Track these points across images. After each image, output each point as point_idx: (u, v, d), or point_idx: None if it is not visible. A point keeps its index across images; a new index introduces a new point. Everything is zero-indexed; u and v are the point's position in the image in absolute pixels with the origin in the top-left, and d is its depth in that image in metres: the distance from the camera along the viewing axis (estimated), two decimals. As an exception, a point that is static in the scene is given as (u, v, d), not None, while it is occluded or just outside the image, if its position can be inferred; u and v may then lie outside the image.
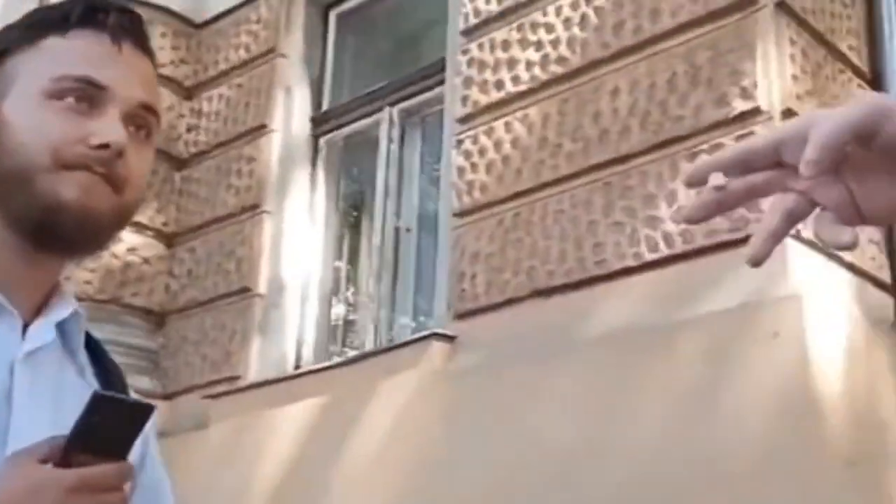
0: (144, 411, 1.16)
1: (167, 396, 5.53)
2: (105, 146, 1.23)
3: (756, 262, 0.87)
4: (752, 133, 3.74)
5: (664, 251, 3.91)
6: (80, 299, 4.90)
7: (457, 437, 4.14)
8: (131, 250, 5.66)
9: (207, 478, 4.93)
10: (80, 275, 5.43)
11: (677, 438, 3.55)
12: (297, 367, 5.28)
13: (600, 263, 4.06)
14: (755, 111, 3.81)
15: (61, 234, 1.24)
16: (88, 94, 1.25)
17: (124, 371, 5.52)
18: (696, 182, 0.89)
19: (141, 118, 1.29)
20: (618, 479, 3.60)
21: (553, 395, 3.94)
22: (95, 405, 1.12)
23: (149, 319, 5.69)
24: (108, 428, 1.13)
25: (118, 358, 5.39)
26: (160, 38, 5.95)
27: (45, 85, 1.25)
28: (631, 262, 3.98)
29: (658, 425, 3.62)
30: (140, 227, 5.66)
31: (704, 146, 3.87)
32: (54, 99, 1.25)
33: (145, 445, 1.34)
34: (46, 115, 1.24)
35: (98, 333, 5.22)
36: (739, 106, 3.83)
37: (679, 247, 3.87)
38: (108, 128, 1.24)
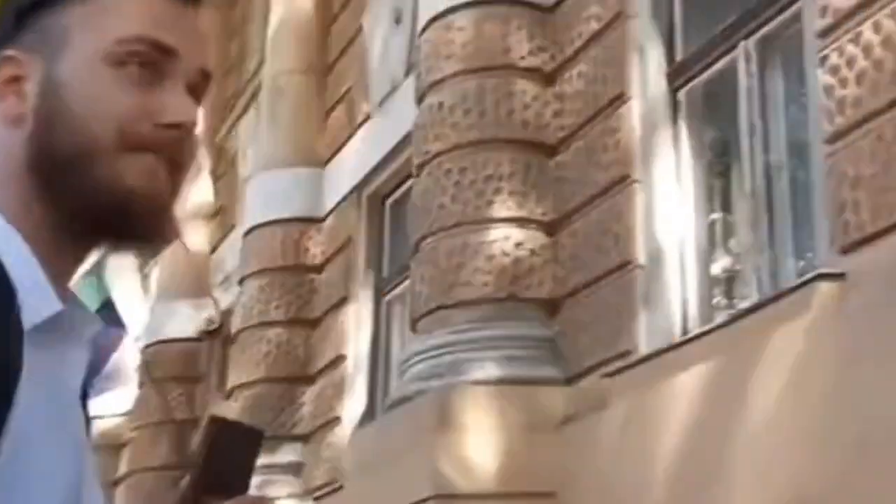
0: (258, 436, 1.16)
1: (568, 381, 5.59)
2: (176, 126, 1.06)
3: None
4: None
5: None
6: (480, 301, 5.54)
7: (858, 382, 3.86)
8: (518, 245, 5.84)
9: (613, 453, 5.00)
10: (479, 278, 5.77)
11: None
12: (684, 332, 5.15)
13: None
14: None
15: (126, 226, 1.06)
16: (154, 60, 1.07)
17: (529, 362, 5.49)
18: None
19: (200, 86, 1.11)
20: None
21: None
22: (214, 433, 1.11)
23: (543, 309, 5.81)
24: (225, 457, 1.10)
25: (520, 352, 5.64)
26: (517, 31, 6.17)
27: (106, 47, 1.06)
28: None
29: None
30: (523, 221, 5.88)
31: None
32: (115, 65, 1.06)
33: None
34: (109, 85, 1.05)
35: (501, 331, 5.34)
36: None
37: None
38: (179, 103, 1.07)
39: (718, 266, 5.30)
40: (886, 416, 3.68)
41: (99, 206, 1.04)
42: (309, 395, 8.49)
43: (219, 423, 1.11)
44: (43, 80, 1.06)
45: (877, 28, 4.09)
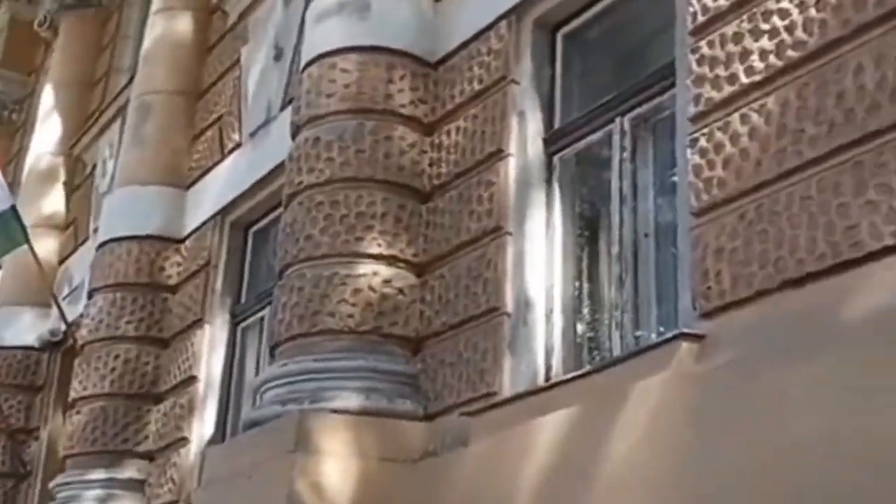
0: None
1: (428, 417, 5.73)
2: None
3: None
4: None
5: (928, 224, 3.71)
6: (343, 332, 5.30)
7: (711, 438, 4.06)
8: (386, 282, 5.96)
9: (471, 491, 5.08)
10: (343, 308, 5.83)
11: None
12: (547, 379, 5.33)
13: (855, 246, 3.85)
14: None
15: None
16: None
17: (389, 395, 5.62)
18: None
19: None
20: (884, 481, 3.40)
21: (809, 390, 3.76)
22: None
23: (406, 346, 5.93)
24: None
25: (381, 385, 5.51)
26: (399, 81, 6.32)
27: None
28: (889, 241, 3.74)
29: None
30: (392, 260, 6.01)
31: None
32: None
33: None
34: None
35: (362, 363, 5.39)
36: None
37: (943, 217, 3.68)
38: None
39: (583, 321, 5.51)
40: (732, 469, 3.91)
41: None
42: (156, 413, 8.40)
43: None
44: None
45: (744, 120, 4.43)
